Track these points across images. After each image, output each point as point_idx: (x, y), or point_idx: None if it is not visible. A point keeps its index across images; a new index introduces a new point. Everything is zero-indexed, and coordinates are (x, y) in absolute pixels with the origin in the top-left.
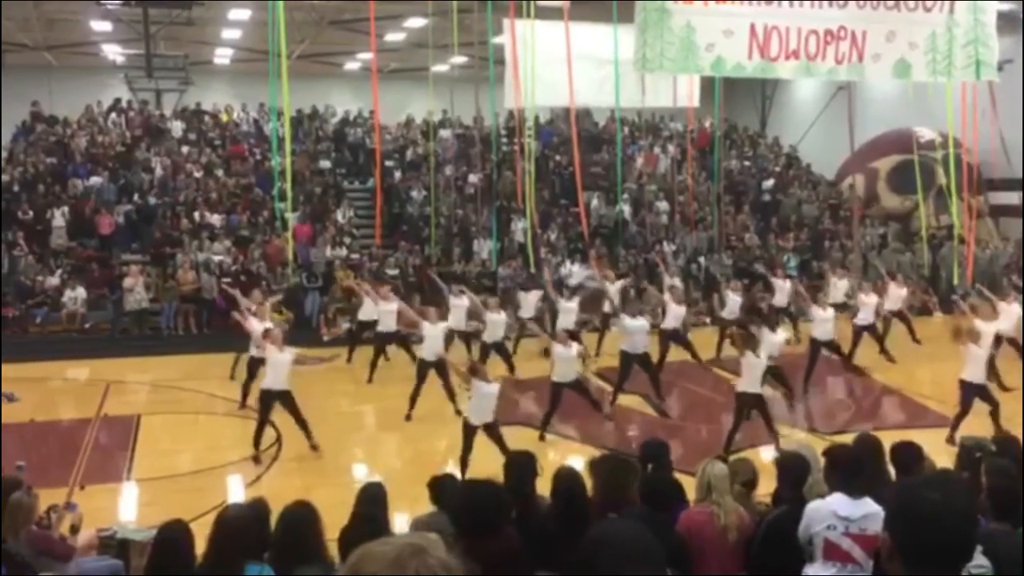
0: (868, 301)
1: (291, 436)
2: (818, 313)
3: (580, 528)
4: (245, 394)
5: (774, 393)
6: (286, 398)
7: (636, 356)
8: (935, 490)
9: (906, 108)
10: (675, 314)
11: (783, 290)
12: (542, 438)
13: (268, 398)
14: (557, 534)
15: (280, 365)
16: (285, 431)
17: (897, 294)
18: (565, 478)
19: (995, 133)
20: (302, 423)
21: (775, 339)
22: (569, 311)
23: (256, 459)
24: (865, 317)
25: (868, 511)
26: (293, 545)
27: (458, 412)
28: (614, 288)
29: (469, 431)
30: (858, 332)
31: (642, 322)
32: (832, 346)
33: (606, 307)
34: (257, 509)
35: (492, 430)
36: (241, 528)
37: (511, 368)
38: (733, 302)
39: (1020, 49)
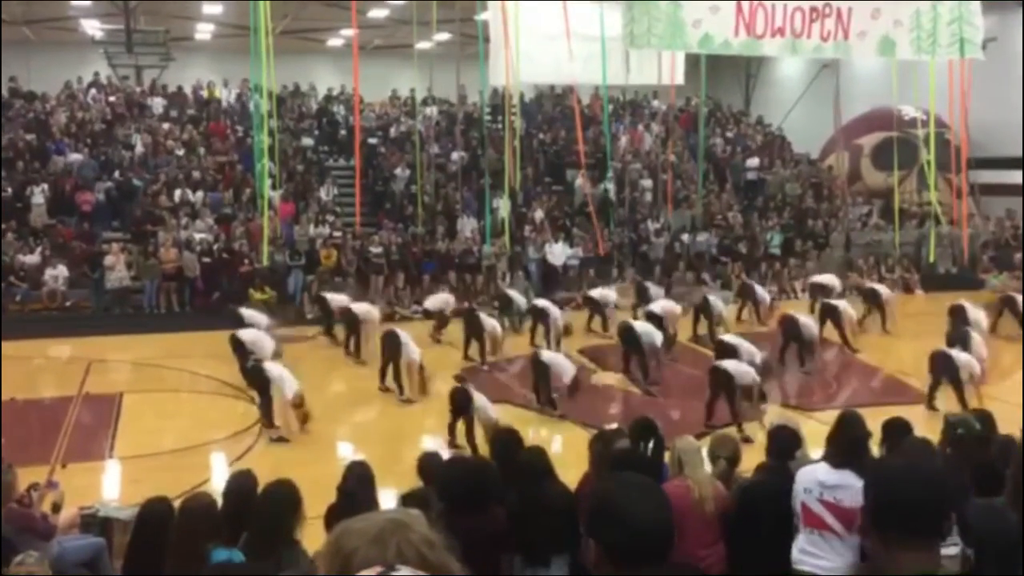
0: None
1: None
2: None
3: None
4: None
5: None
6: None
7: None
8: (901, 456)
9: (889, 86)
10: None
11: None
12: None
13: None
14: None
15: None
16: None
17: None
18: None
19: (967, 112)
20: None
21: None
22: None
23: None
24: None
25: (843, 481)
26: (270, 526)
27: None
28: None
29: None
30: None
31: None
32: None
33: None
34: (241, 482)
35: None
36: (202, 515)
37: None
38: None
39: (1005, 27)
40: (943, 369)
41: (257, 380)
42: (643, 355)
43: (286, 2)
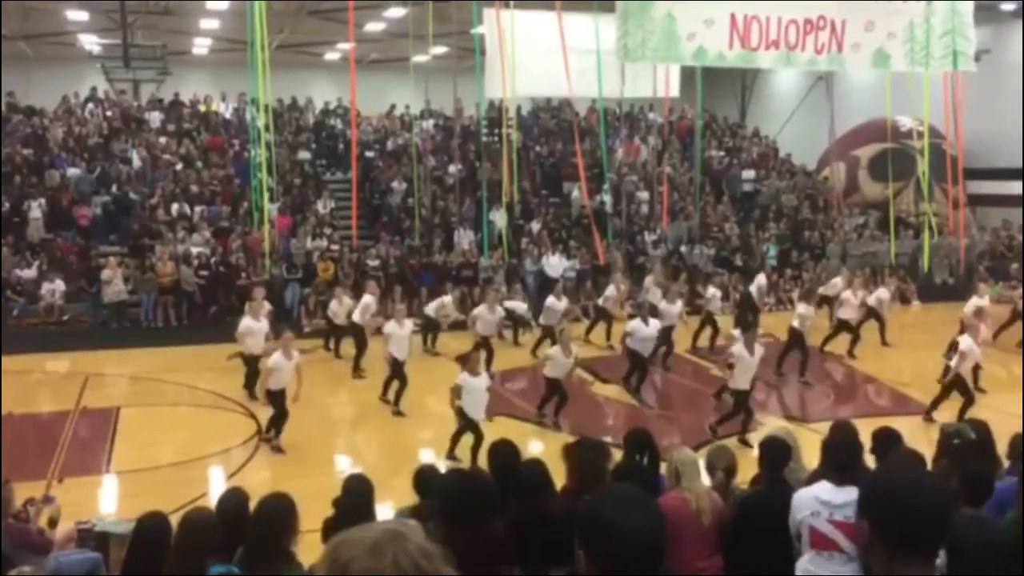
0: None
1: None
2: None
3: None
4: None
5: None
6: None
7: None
8: (903, 467)
9: (884, 98)
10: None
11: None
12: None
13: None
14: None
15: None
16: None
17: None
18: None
19: (962, 123)
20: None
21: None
22: (554, 311)
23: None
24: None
25: (852, 498)
26: (266, 539)
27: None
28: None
29: (465, 420)
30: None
31: (652, 330)
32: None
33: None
34: (233, 499)
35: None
36: (203, 529)
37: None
38: (714, 295)
39: (1000, 39)
40: (954, 384)
41: (274, 401)
42: (645, 370)
43: (283, 16)
